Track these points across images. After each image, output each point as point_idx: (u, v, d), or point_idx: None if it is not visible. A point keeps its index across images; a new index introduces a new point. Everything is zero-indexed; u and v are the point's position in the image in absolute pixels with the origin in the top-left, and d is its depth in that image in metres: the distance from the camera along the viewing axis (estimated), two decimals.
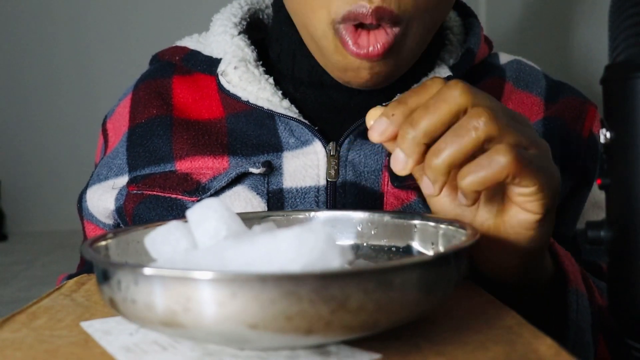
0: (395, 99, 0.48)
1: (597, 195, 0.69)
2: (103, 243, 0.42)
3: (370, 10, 0.56)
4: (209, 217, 0.39)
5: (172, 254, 0.39)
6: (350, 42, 0.57)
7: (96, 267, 0.37)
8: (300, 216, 0.51)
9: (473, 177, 0.41)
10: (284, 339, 0.32)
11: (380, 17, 0.56)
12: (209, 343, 0.36)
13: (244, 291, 0.30)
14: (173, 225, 0.40)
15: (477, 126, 0.40)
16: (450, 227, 0.45)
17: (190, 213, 0.40)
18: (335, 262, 0.33)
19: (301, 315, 0.31)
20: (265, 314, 0.31)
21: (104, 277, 0.35)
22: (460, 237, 0.42)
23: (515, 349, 0.35)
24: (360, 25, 0.57)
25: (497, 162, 0.40)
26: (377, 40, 0.57)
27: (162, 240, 0.40)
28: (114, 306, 0.35)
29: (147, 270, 0.32)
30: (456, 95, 0.42)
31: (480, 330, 0.38)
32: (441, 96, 0.42)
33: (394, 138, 0.44)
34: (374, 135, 0.45)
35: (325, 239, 0.33)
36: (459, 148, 0.41)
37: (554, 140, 0.66)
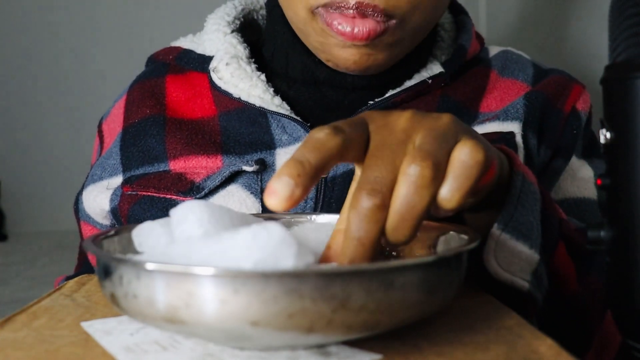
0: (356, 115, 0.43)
1: (575, 168, 0.69)
2: (104, 240, 0.43)
3: (352, 4, 0.56)
4: (188, 219, 0.40)
5: (153, 248, 0.40)
6: (335, 23, 0.58)
7: (98, 263, 0.37)
8: (302, 219, 0.51)
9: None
10: (285, 337, 0.32)
11: (363, 11, 0.56)
12: (210, 340, 0.36)
13: (246, 288, 0.30)
14: (158, 222, 0.41)
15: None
16: (450, 229, 0.45)
17: (173, 212, 0.41)
18: (287, 262, 0.32)
19: (302, 313, 0.31)
20: (267, 311, 0.31)
21: (106, 272, 0.35)
22: (460, 240, 0.42)
23: (516, 349, 0.36)
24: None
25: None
26: (363, 25, 0.57)
27: (146, 234, 0.41)
28: (115, 302, 0.35)
29: (149, 265, 0.32)
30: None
31: (480, 330, 0.39)
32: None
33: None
34: (279, 203, 0.35)
35: (280, 239, 0.33)
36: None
37: (535, 112, 0.67)
